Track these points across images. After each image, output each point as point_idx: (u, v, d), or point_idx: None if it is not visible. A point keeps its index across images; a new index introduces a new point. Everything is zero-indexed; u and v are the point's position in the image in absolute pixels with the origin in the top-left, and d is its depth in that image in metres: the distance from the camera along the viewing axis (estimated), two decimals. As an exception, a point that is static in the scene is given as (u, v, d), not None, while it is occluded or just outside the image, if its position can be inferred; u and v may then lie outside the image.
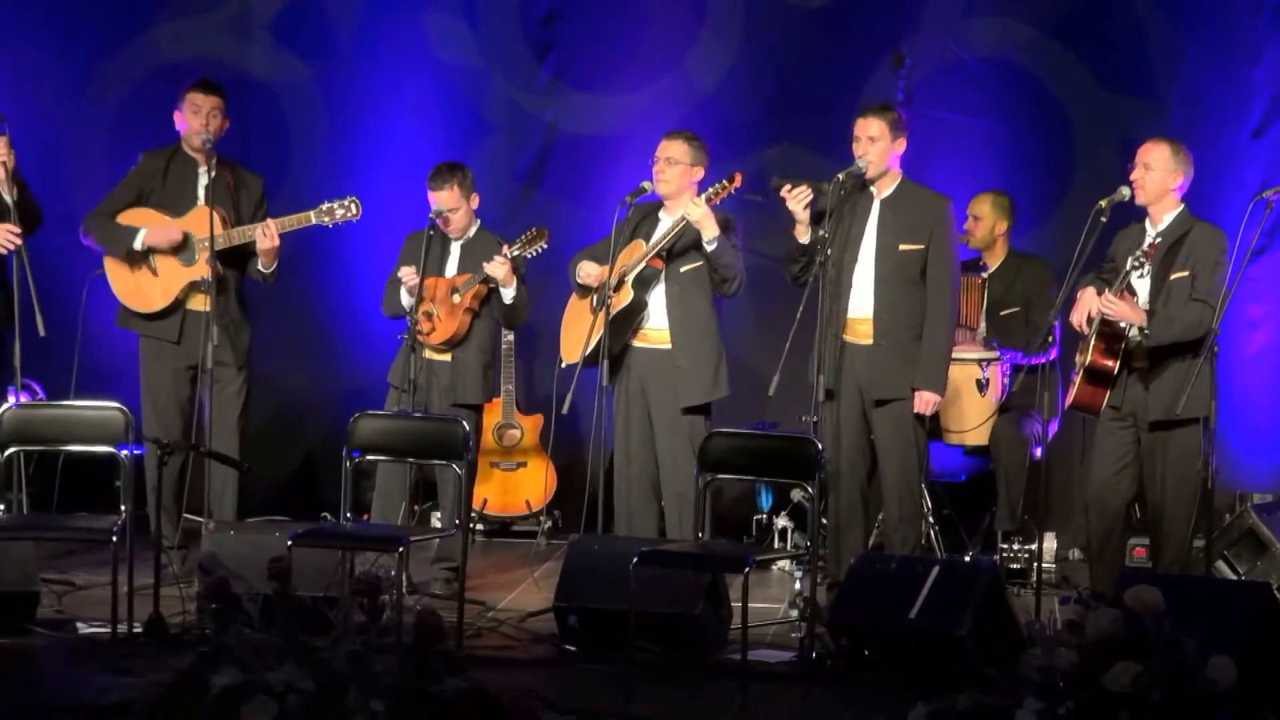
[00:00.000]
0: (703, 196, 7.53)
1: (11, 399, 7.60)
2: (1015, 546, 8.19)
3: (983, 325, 8.41)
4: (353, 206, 7.95)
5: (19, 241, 7.62)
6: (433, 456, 7.25)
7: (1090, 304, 7.14)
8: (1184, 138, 7.39)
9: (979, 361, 8.18)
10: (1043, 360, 7.76)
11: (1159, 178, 7.16)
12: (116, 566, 6.59)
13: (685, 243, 7.62)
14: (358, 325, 9.33)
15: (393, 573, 6.44)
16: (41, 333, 7.55)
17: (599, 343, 7.57)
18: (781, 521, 8.52)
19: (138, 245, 7.91)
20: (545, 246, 7.81)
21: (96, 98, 9.54)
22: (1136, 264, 7.08)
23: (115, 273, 8.01)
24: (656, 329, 7.69)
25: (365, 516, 8.02)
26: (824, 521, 7.47)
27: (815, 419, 7.32)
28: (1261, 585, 6.31)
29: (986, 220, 8.52)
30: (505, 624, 7.21)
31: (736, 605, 6.75)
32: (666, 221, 7.70)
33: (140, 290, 7.99)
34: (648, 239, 7.69)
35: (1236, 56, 8.97)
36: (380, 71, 9.58)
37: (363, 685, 4.98)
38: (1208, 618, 5.04)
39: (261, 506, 8.81)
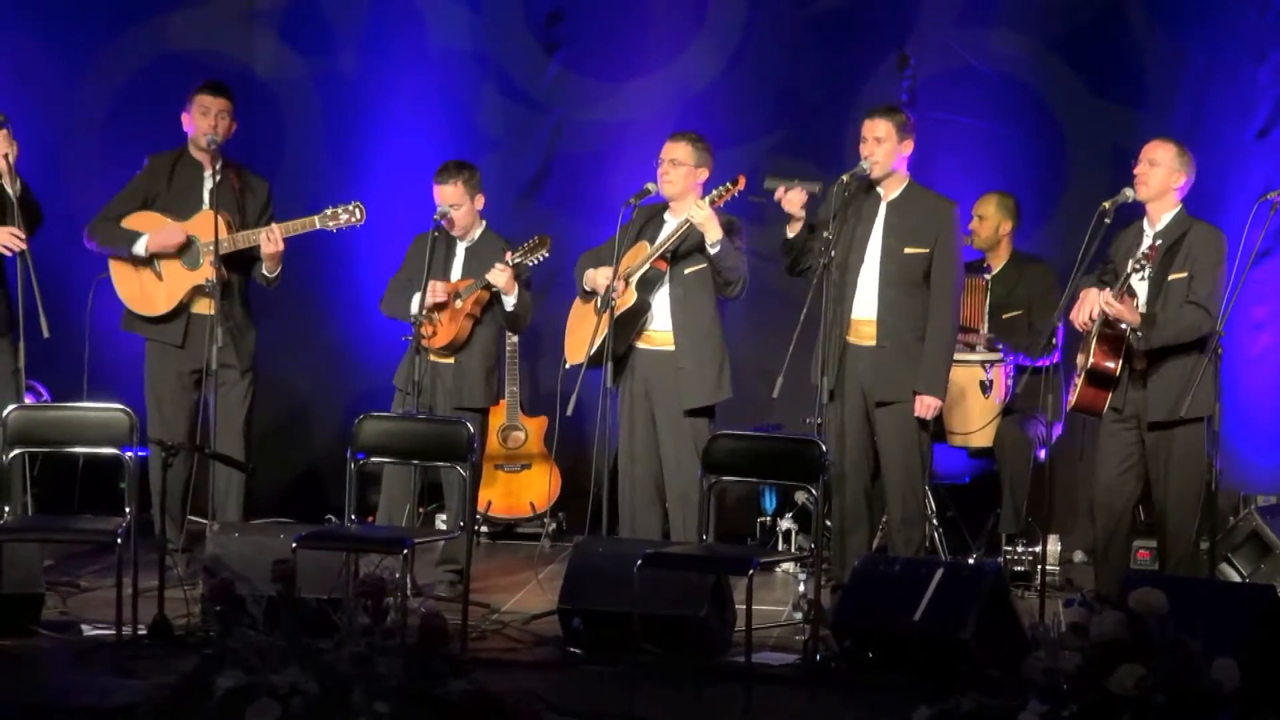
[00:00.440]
0: (706, 199, 7.53)
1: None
2: (1019, 549, 8.19)
3: (985, 327, 8.40)
4: (357, 212, 7.95)
5: (23, 245, 7.60)
6: (437, 458, 7.25)
7: (1093, 302, 7.12)
8: (1188, 140, 7.38)
9: (982, 363, 8.17)
10: (1046, 363, 7.75)
11: (1162, 174, 7.16)
12: (121, 568, 6.59)
13: (689, 245, 7.61)
14: (362, 327, 9.31)
15: (397, 575, 6.45)
16: (45, 334, 7.53)
17: (603, 344, 7.57)
18: (785, 524, 8.52)
19: (139, 251, 7.91)
20: (547, 255, 7.81)
21: (95, 89, 9.48)
22: (1137, 266, 7.07)
23: (120, 276, 8.00)
24: (660, 331, 7.68)
25: (370, 519, 8.03)
26: (828, 524, 7.46)
27: (819, 421, 7.33)
28: (1265, 588, 6.32)
29: (991, 220, 8.50)
30: (509, 626, 7.22)
31: (740, 608, 6.76)
32: (671, 223, 7.69)
33: (145, 294, 7.99)
34: (652, 241, 7.68)
35: (1241, 57, 8.95)
36: (385, 69, 9.56)
37: (367, 687, 4.98)
38: (1212, 620, 5.02)
39: (266, 509, 8.79)
